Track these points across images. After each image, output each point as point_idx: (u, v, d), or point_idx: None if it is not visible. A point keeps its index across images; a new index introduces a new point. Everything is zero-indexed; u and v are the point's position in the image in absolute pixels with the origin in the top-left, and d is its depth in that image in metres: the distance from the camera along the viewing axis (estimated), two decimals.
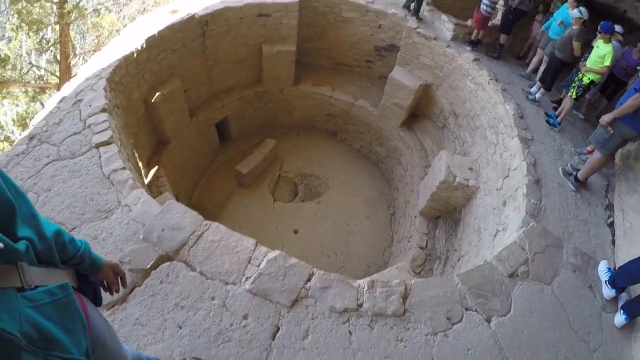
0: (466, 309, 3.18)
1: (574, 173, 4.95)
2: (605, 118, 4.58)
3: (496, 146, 5.86)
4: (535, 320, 3.29)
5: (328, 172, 8.74)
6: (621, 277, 3.59)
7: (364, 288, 3.08)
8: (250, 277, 2.95)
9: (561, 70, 6.43)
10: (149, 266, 2.88)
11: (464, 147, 6.92)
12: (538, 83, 6.53)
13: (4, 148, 12.43)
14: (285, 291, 2.92)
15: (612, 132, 4.51)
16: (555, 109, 6.32)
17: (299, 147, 9.15)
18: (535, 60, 7.44)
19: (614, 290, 3.63)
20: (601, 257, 4.11)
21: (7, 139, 12.83)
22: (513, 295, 3.42)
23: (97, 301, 1.42)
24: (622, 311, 3.49)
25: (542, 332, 3.22)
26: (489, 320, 3.16)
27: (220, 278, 2.92)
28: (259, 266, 3.04)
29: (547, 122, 6.00)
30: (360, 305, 2.97)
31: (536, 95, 6.46)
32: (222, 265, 3.00)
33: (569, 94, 5.82)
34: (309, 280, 3.04)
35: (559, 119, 5.97)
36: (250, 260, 3.08)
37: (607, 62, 5.30)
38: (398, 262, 6.04)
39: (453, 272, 5.22)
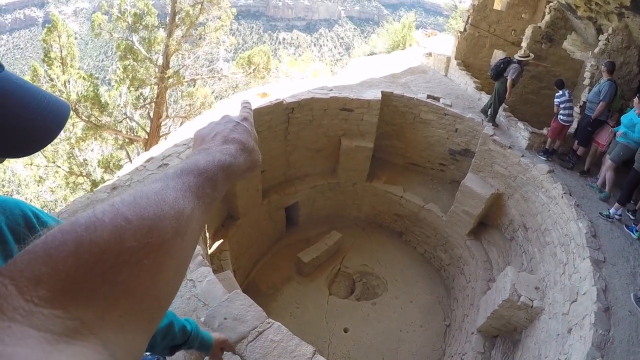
0: None
1: None
2: None
3: (565, 266, 5.37)
4: None
5: (388, 274, 8.45)
6: None
7: None
8: None
9: (638, 183, 5.86)
10: None
11: (531, 263, 6.42)
12: (617, 204, 5.94)
13: (83, 182, 13.24)
14: None
15: None
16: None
17: (363, 243, 9.05)
18: (603, 169, 6.66)
19: None
20: None
21: (88, 175, 13.48)
22: None
23: None
24: None
25: None
26: None
27: None
28: None
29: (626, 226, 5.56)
30: None
31: (610, 211, 5.89)
32: None
33: None
34: None
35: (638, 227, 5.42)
36: None
37: None
38: None
39: None
